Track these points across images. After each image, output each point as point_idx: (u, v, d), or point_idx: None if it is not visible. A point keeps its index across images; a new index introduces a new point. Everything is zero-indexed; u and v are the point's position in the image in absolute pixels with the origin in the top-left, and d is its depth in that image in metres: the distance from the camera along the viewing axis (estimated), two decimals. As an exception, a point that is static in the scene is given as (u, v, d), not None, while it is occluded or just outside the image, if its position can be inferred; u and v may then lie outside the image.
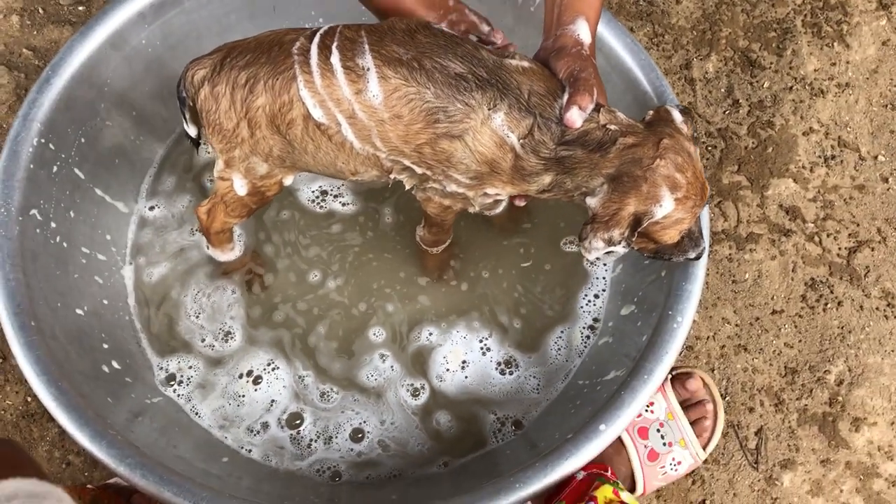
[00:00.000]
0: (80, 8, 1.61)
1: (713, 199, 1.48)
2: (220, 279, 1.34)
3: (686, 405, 1.26)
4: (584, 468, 1.06)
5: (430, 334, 1.32)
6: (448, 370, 1.29)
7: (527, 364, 1.30)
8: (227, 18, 1.37)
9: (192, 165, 1.42)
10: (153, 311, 1.32)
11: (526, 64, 0.98)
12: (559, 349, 1.30)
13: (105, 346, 1.22)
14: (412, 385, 1.29)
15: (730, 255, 1.44)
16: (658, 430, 1.22)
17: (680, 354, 1.35)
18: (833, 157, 1.53)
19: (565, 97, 0.95)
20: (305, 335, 1.32)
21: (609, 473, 1.13)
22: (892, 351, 1.39)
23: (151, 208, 1.39)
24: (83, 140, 1.26)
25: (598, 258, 0.97)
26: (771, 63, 1.60)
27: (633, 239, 0.95)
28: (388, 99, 0.94)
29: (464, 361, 1.30)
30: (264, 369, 1.29)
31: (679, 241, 1.00)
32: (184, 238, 1.37)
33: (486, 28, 1.06)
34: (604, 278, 1.34)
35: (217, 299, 1.33)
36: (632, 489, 1.22)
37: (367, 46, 0.95)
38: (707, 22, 1.64)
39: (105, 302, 1.28)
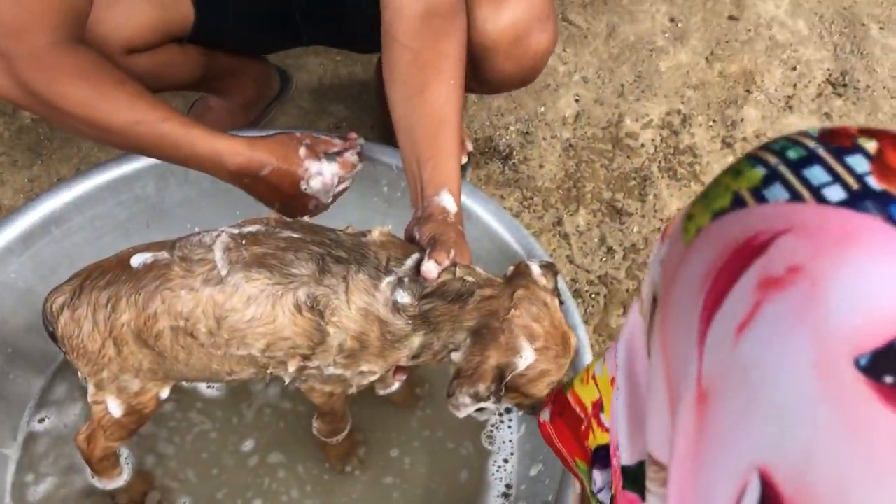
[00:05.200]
0: (-46, 252, 1.59)
1: (605, 343, 1.50)
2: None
3: None
4: None
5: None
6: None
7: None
8: (101, 241, 1.37)
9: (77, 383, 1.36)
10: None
11: (383, 238, 1.02)
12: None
13: None
14: None
15: (632, 397, 1.45)
16: None
17: None
18: (711, 287, 1.59)
19: (425, 256, 0.98)
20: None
21: None
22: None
23: (41, 420, 1.33)
24: (-51, 387, 1.20)
25: (469, 414, 0.95)
26: (636, 209, 1.70)
27: (502, 393, 0.94)
28: (254, 299, 0.95)
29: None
30: None
31: None
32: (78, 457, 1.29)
33: (337, 141, 1.20)
34: (510, 441, 1.32)
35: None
36: None
37: (225, 252, 0.96)
38: (571, 180, 1.74)
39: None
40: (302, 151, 1.13)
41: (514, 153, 1.78)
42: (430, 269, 0.95)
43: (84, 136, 1.09)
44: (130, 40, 1.25)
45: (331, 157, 1.16)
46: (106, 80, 1.03)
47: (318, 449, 1.31)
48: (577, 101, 1.87)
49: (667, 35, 1.99)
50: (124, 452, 1.28)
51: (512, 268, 1.04)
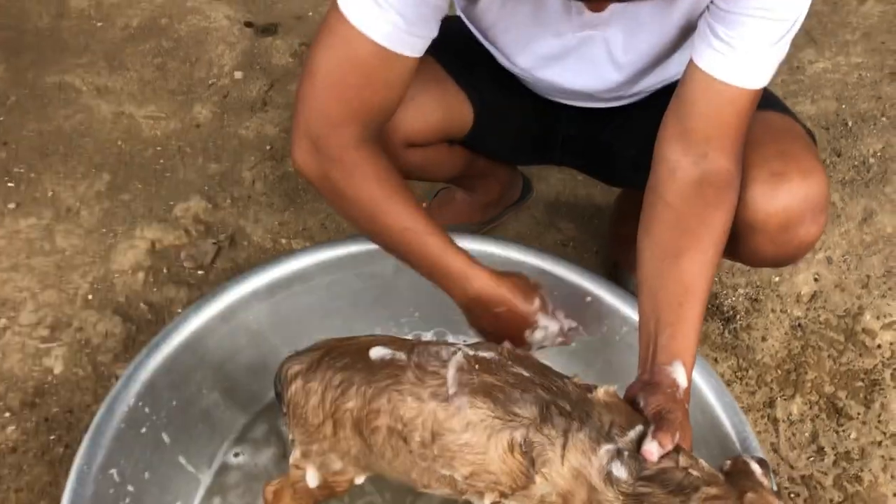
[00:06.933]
0: (200, 272, 1.75)
1: (795, 553, 1.39)
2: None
3: None
4: None
5: None
6: None
7: None
8: (331, 305, 1.46)
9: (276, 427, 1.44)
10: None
11: (609, 399, 1.00)
12: None
13: None
14: None
15: None
16: None
17: None
18: (928, 526, 1.44)
19: (649, 432, 0.96)
20: None
21: None
22: None
23: (236, 454, 1.41)
24: (175, 403, 1.31)
25: None
26: (858, 413, 1.57)
27: None
28: (473, 426, 0.96)
29: None
30: None
31: None
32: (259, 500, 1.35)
33: (566, 323, 1.20)
34: None
35: None
36: None
37: (457, 372, 0.99)
38: (792, 363, 1.65)
39: (155, 569, 1.26)
40: (537, 302, 1.16)
41: (738, 318, 1.71)
42: (653, 450, 0.93)
43: (355, 225, 1.18)
44: (413, 136, 1.34)
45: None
46: (393, 184, 1.13)
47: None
48: (816, 280, 1.79)
49: (930, 234, 1.86)
50: (299, 513, 1.33)
51: (729, 462, 0.99)
